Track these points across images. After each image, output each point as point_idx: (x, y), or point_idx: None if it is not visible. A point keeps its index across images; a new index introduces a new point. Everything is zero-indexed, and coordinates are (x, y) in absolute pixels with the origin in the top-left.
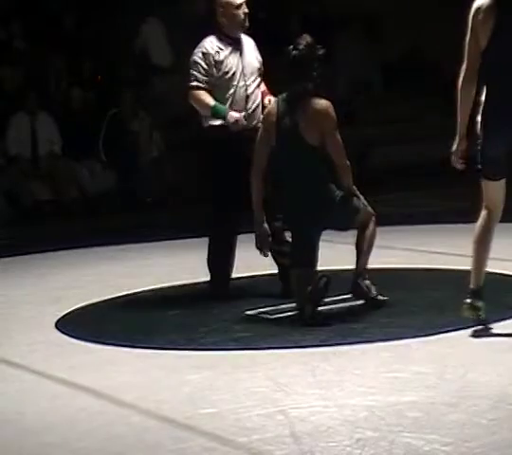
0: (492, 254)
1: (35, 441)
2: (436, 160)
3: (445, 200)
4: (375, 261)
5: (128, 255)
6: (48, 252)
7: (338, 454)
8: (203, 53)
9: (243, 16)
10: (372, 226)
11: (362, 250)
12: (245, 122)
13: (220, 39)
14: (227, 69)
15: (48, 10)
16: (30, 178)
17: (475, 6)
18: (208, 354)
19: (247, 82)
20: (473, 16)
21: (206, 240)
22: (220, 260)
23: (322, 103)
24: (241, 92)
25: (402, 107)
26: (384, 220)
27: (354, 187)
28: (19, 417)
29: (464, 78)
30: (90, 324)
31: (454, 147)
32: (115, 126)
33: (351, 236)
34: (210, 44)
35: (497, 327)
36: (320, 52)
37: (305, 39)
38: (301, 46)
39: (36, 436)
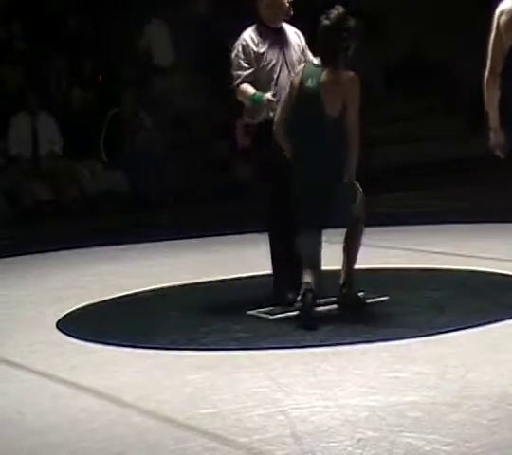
0: (492, 254)
1: (36, 441)
2: (436, 160)
3: (445, 200)
4: (376, 261)
5: (129, 255)
6: (49, 252)
7: (338, 454)
8: (242, 46)
9: (288, 5)
10: (362, 224)
11: (350, 254)
12: (275, 99)
13: (260, 31)
14: (267, 62)
15: (49, 11)
16: (31, 178)
17: (499, 9)
18: (208, 355)
19: (291, 73)
20: (497, 18)
21: (206, 240)
22: (280, 260)
23: (349, 74)
24: (283, 83)
25: (403, 107)
26: (384, 220)
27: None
28: (20, 417)
29: (488, 79)
30: (91, 324)
31: (492, 141)
32: (115, 126)
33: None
34: (250, 37)
35: (497, 327)
36: (351, 23)
37: (337, 9)
38: (331, 16)
39: (37, 436)
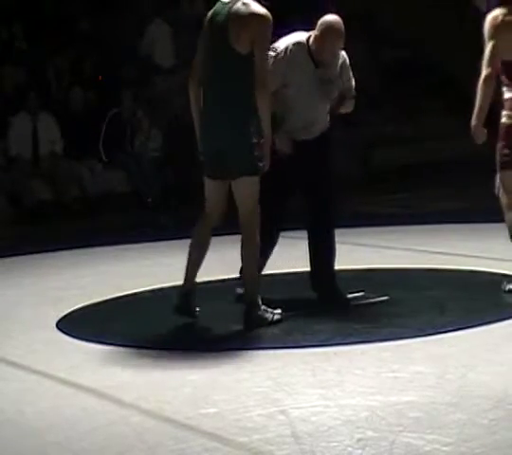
0: (492, 254)
1: (36, 441)
2: (436, 161)
3: (444, 200)
4: (376, 261)
5: (128, 255)
6: (49, 252)
7: (338, 454)
8: None
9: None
10: (251, 230)
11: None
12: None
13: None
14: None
15: (50, 11)
16: (31, 178)
17: (492, 14)
18: (208, 355)
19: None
20: (491, 24)
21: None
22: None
23: (259, 11)
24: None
25: (401, 107)
26: (384, 220)
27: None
28: (19, 417)
29: (485, 81)
30: (91, 324)
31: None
32: (115, 126)
33: (346, 236)
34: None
35: (497, 327)
36: None
37: None
38: None
39: (36, 436)
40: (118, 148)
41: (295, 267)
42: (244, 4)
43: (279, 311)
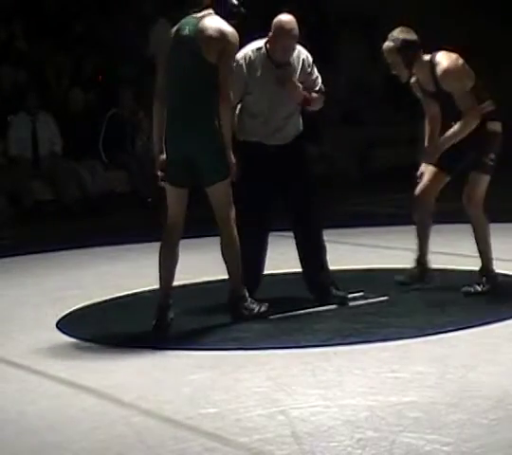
0: (492, 254)
1: (36, 441)
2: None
3: (444, 201)
4: (375, 261)
5: (128, 255)
6: (49, 252)
7: (338, 454)
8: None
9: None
10: (229, 229)
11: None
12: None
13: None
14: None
15: (50, 10)
16: (31, 178)
17: None
18: (208, 355)
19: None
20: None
21: (204, 240)
22: (251, 258)
23: (228, 27)
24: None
25: (403, 107)
26: (384, 220)
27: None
28: (19, 417)
29: None
30: (91, 324)
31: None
32: (114, 126)
33: (346, 236)
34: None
35: (497, 327)
36: None
37: None
38: None
39: (37, 436)
40: (118, 148)
41: (295, 267)
42: (213, 20)
43: (266, 304)
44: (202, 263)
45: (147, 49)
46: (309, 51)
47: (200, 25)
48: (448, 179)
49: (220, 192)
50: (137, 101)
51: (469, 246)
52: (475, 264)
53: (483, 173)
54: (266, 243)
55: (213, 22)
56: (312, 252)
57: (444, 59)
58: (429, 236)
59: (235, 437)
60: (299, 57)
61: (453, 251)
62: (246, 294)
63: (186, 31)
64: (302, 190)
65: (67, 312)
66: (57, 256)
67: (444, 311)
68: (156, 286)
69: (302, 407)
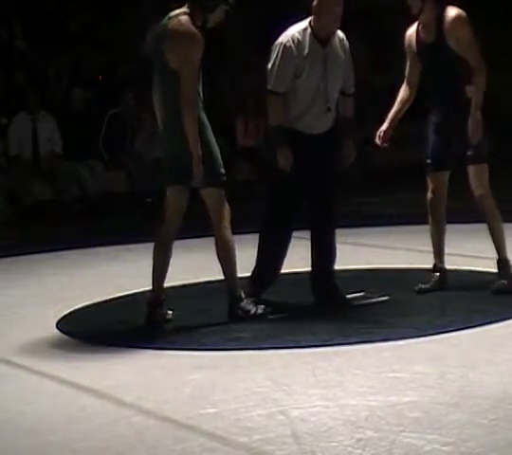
0: (492, 254)
1: (36, 440)
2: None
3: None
4: (376, 261)
5: (128, 255)
6: (49, 252)
7: (338, 454)
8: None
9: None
10: (224, 232)
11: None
12: None
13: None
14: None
15: (50, 10)
16: (31, 178)
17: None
18: (208, 355)
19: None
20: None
21: (205, 240)
22: (273, 257)
23: (189, 29)
24: None
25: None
26: (384, 220)
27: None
28: (19, 417)
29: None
30: (91, 324)
31: None
32: (114, 126)
33: (346, 236)
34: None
35: (497, 327)
36: None
37: None
38: None
39: (37, 436)
40: (118, 148)
41: (295, 267)
42: (179, 22)
43: (263, 306)
44: (202, 264)
45: (144, 49)
46: None
47: (168, 28)
48: (448, 174)
49: (213, 198)
50: (137, 101)
51: (469, 246)
52: (475, 264)
53: (479, 164)
54: (290, 242)
55: (177, 25)
56: (327, 252)
57: (455, 9)
58: (443, 239)
59: (235, 437)
60: (343, 45)
61: (453, 251)
62: (243, 295)
63: (158, 34)
64: (327, 189)
65: (68, 312)
66: (57, 256)
67: (444, 311)
68: None
69: (302, 407)
